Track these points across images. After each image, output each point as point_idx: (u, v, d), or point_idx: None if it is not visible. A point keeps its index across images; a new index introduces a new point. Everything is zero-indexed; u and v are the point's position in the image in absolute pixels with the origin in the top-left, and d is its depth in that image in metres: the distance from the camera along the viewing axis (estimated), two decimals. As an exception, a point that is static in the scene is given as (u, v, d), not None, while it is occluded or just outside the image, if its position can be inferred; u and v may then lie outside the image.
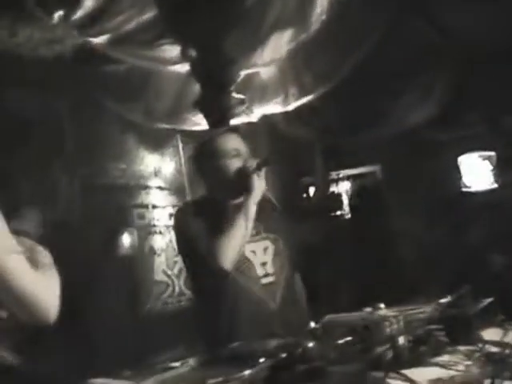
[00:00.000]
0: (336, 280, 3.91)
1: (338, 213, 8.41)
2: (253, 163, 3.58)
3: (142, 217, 6.97)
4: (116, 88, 6.25)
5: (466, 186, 7.74)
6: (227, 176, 3.61)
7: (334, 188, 9.19)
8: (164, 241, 7.14)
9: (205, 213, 3.58)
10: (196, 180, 7.51)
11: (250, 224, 3.48)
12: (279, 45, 5.78)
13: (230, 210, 3.54)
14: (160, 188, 7.28)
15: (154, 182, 7.23)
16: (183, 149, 7.58)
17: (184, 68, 5.82)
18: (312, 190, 9.13)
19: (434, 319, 2.40)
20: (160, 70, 6.07)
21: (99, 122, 6.56)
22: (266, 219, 3.69)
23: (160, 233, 7.11)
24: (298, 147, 8.12)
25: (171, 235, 7.25)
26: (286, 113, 6.90)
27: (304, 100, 6.68)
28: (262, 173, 3.57)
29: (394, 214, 5.64)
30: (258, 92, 6.58)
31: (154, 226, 7.07)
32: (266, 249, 3.64)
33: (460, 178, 7.78)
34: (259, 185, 3.54)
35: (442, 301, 2.55)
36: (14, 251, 2.26)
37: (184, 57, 5.63)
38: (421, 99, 7.25)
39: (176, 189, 7.45)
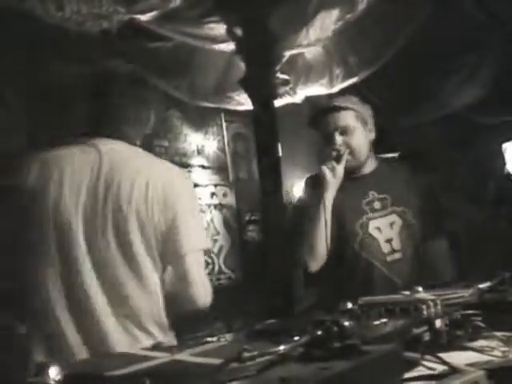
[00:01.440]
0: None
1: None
2: (341, 149, 3.57)
3: (183, 195, 6.98)
4: (161, 65, 6.26)
5: (510, 174, 7.66)
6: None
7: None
8: (205, 219, 7.16)
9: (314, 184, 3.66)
10: (238, 160, 7.59)
11: (326, 215, 3.48)
12: (325, 24, 5.73)
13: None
14: (202, 166, 7.31)
15: (196, 161, 7.25)
16: (227, 128, 7.60)
17: (229, 46, 5.82)
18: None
19: (473, 304, 2.39)
20: (206, 48, 6.05)
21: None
22: (394, 191, 3.68)
23: (201, 211, 7.13)
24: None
25: (212, 214, 7.28)
26: (331, 94, 6.85)
27: (349, 82, 6.63)
28: (339, 164, 3.54)
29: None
30: (303, 73, 6.55)
31: (196, 204, 7.09)
32: (392, 224, 3.64)
33: (504, 164, 7.70)
34: (330, 177, 3.53)
35: (481, 286, 2.54)
36: (199, 250, 2.99)
37: (230, 35, 5.63)
38: (466, 81, 7.17)
39: (218, 168, 7.48)
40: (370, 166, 3.78)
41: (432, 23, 6.04)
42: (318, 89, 6.71)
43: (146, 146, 5.96)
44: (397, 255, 3.61)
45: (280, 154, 5.69)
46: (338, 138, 3.61)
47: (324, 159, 3.55)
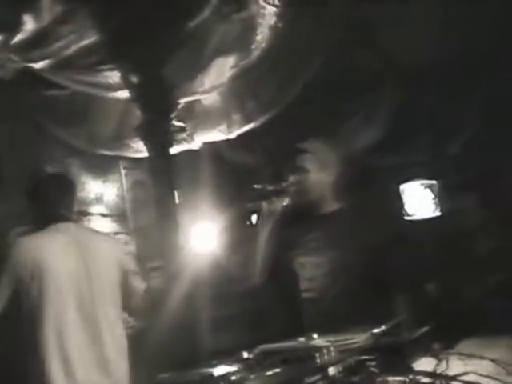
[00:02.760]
0: (273, 307, 3.91)
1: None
2: (285, 187, 3.58)
3: (83, 244, 6.86)
4: (58, 113, 6.19)
5: (408, 215, 7.75)
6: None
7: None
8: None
9: None
10: (138, 207, 7.51)
11: (259, 247, 3.52)
12: (221, 71, 5.77)
13: None
14: (102, 215, 7.19)
15: (95, 209, 7.13)
16: (126, 175, 7.51)
17: (126, 94, 5.79)
18: (254, 218, 9.05)
19: (367, 349, 2.38)
20: (102, 95, 6.00)
21: (40, 146, 6.48)
22: (338, 236, 3.63)
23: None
24: (243, 174, 8.10)
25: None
26: (229, 140, 6.87)
27: (247, 127, 6.65)
28: (279, 200, 3.53)
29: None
30: (201, 119, 6.54)
31: (96, 253, 6.97)
32: (318, 265, 3.59)
33: (402, 205, 7.79)
34: (266, 211, 3.52)
35: (376, 330, 2.53)
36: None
37: (125, 83, 5.60)
38: (363, 124, 7.28)
39: (118, 216, 7.37)
40: (328, 208, 3.77)
41: (329, 67, 6.12)
42: (216, 135, 6.72)
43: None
44: (311, 294, 3.59)
45: (177, 201, 5.66)
46: (289, 177, 3.64)
47: (266, 194, 3.56)
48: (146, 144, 5.82)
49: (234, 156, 7.52)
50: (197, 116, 6.47)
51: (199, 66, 5.63)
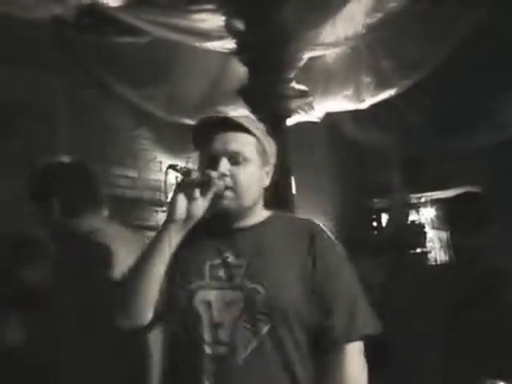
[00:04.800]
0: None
1: (419, 250, 8.30)
2: (215, 178, 3.03)
3: (155, 244, 6.92)
4: (130, 67, 6.22)
5: None
6: None
7: (414, 216, 9.07)
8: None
9: None
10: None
11: (157, 261, 3.01)
12: (355, 18, 5.74)
13: None
14: (183, 206, 7.24)
15: (174, 198, 7.18)
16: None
17: (226, 45, 5.81)
18: (385, 218, 9.00)
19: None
20: (192, 46, 6.03)
21: (104, 110, 6.53)
22: (262, 259, 3.15)
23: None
24: (370, 159, 8.08)
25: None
26: (357, 111, 6.85)
27: (382, 95, 6.63)
28: (203, 197, 2.99)
29: (504, 254, 5.48)
30: (321, 82, 6.54)
31: (174, 257, 7.03)
32: (231, 303, 3.02)
33: None
34: (179, 212, 2.98)
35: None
36: None
37: (227, 30, 5.61)
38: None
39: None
40: (251, 219, 3.26)
41: (491, 24, 6.04)
42: (341, 102, 6.70)
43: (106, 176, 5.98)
44: (222, 349, 3.09)
45: (294, 190, 5.65)
46: (223, 164, 3.11)
47: (187, 185, 3.00)
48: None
49: (360, 134, 7.50)
50: (317, 77, 6.46)
51: (327, 8, 5.60)
